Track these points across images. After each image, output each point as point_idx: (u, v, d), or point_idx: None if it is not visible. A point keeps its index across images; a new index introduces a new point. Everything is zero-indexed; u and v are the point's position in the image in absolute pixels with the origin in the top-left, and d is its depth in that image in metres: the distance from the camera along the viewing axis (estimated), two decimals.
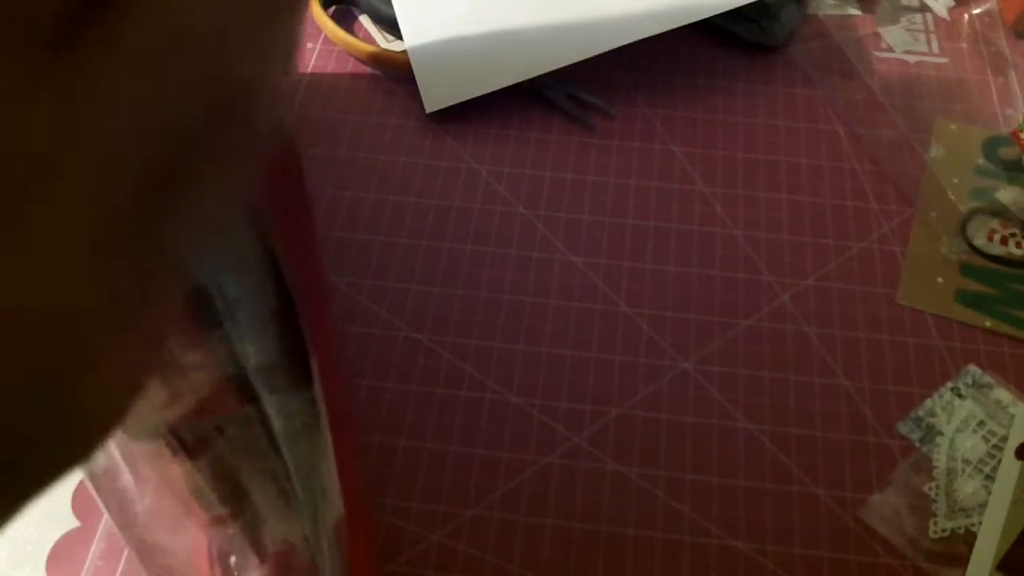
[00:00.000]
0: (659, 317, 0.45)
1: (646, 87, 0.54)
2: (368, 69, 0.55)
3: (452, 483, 0.40)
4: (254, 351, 0.23)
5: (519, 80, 0.51)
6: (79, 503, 0.40)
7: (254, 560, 0.32)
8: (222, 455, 0.27)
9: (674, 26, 0.50)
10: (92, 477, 0.27)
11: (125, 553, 0.38)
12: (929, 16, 0.58)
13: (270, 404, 0.25)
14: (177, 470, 0.28)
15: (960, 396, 0.43)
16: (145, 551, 0.31)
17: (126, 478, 0.28)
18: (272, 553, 0.32)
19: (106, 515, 0.39)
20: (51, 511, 0.39)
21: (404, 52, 0.53)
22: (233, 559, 0.32)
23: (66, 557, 0.38)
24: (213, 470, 0.28)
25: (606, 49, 0.50)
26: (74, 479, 0.40)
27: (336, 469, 0.27)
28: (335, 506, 0.28)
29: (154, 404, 0.25)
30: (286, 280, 0.22)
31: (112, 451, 0.26)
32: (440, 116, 0.52)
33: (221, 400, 0.25)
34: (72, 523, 0.39)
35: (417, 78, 0.52)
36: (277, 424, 0.26)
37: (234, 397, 0.25)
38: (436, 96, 0.52)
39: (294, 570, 0.32)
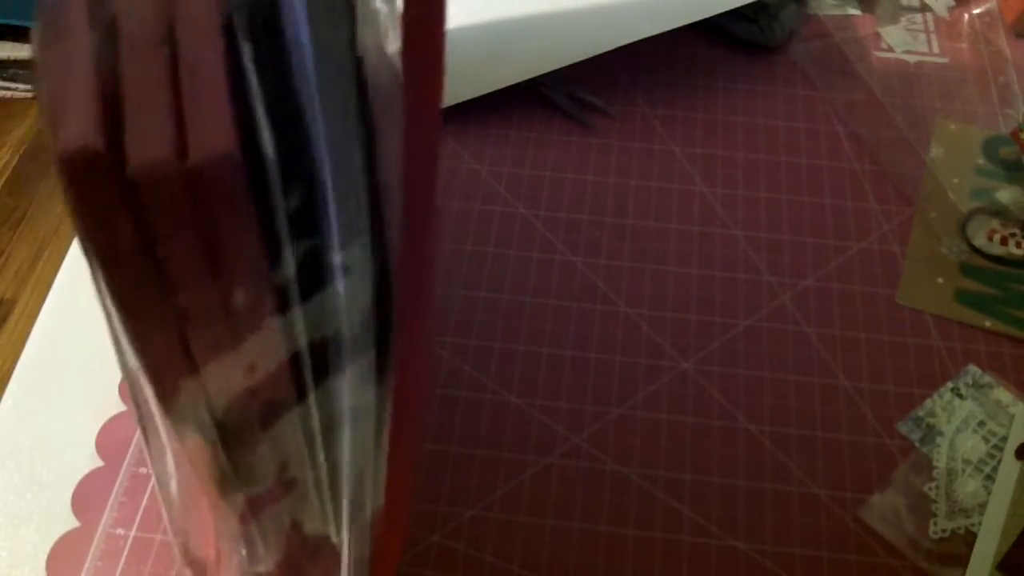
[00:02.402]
0: (659, 317, 0.45)
1: (646, 87, 0.54)
2: None
3: (452, 483, 0.40)
4: (348, 323, 0.23)
5: (519, 80, 0.51)
6: (79, 503, 0.40)
7: (264, 552, 0.32)
8: (255, 442, 0.27)
9: (674, 26, 0.50)
10: (144, 429, 0.27)
11: (125, 553, 0.38)
12: (929, 16, 0.58)
13: (331, 386, 0.25)
14: (204, 452, 0.28)
15: (960, 396, 0.43)
16: (172, 521, 0.31)
17: (165, 447, 0.28)
18: (287, 544, 0.32)
19: (106, 515, 0.39)
20: (51, 511, 0.39)
21: None
22: (244, 550, 0.32)
23: (66, 557, 0.38)
24: (243, 457, 0.28)
25: (606, 49, 0.50)
26: (75, 480, 0.40)
27: (388, 461, 0.27)
28: (375, 497, 0.27)
29: (207, 388, 0.24)
30: (391, 255, 0.22)
31: (156, 416, 0.26)
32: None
33: (271, 385, 0.25)
34: (72, 523, 0.39)
35: None
36: (328, 408, 0.25)
37: (286, 382, 0.25)
38: None
39: (311, 561, 0.32)
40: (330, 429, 0.26)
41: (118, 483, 0.40)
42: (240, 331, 0.23)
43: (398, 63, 0.19)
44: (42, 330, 0.45)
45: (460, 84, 0.51)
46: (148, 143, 0.19)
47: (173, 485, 0.29)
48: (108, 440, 0.41)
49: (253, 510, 0.30)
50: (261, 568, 0.32)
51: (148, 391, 0.25)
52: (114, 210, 0.19)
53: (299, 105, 0.20)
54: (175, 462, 0.28)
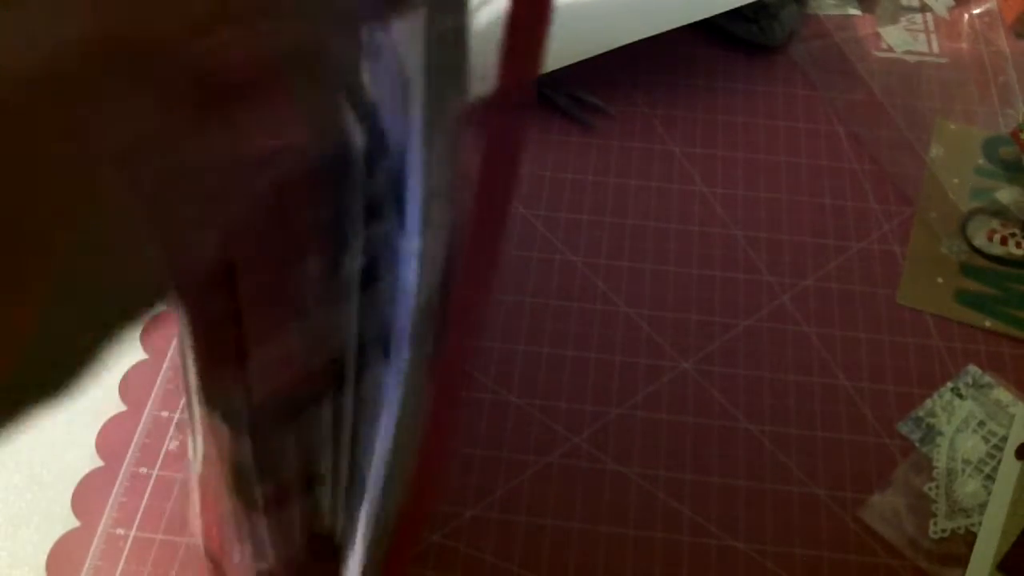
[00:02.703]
0: (659, 317, 0.45)
1: (646, 87, 0.54)
2: None
3: (452, 483, 0.40)
4: (411, 313, 0.23)
5: None
6: (79, 503, 0.40)
7: (271, 549, 0.32)
8: (281, 437, 0.27)
9: (674, 26, 0.50)
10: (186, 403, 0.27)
11: (125, 553, 0.38)
12: (929, 16, 0.58)
13: (370, 382, 0.24)
14: (227, 440, 0.27)
15: (960, 396, 0.43)
16: (193, 498, 0.31)
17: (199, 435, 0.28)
18: (295, 542, 0.32)
19: (106, 515, 0.39)
20: (51, 511, 0.39)
21: None
22: (250, 546, 0.32)
23: (66, 557, 0.38)
24: (265, 450, 0.28)
25: (606, 49, 0.50)
26: (75, 480, 0.40)
27: (421, 455, 0.27)
28: (397, 496, 0.27)
29: (251, 378, 0.24)
30: (455, 246, 0.22)
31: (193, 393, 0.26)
32: None
33: (313, 377, 0.25)
34: (72, 523, 0.39)
35: None
36: (384, 397, 0.25)
37: (327, 374, 0.25)
38: None
39: (318, 560, 0.32)
40: (363, 422, 0.26)
41: (118, 483, 0.40)
42: (297, 318, 0.23)
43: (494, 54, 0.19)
44: None
45: None
46: None
47: (198, 470, 0.29)
48: (108, 440, 0.41)
49: (267, 505, 0.30)
50: (264, 564, 0.32)
51: (192, 373, 0.24)
52: None
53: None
54: (203, 449, 0.28)
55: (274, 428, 0.27)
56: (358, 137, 0.20)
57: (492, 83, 0.19)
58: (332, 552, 0.31)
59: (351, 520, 0.29)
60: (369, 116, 0.20)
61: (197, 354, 0.23)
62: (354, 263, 0.22)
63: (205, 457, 0.28)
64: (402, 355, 0.24)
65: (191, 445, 0.28)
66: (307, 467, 0.28)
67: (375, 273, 0.22)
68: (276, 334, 0.23)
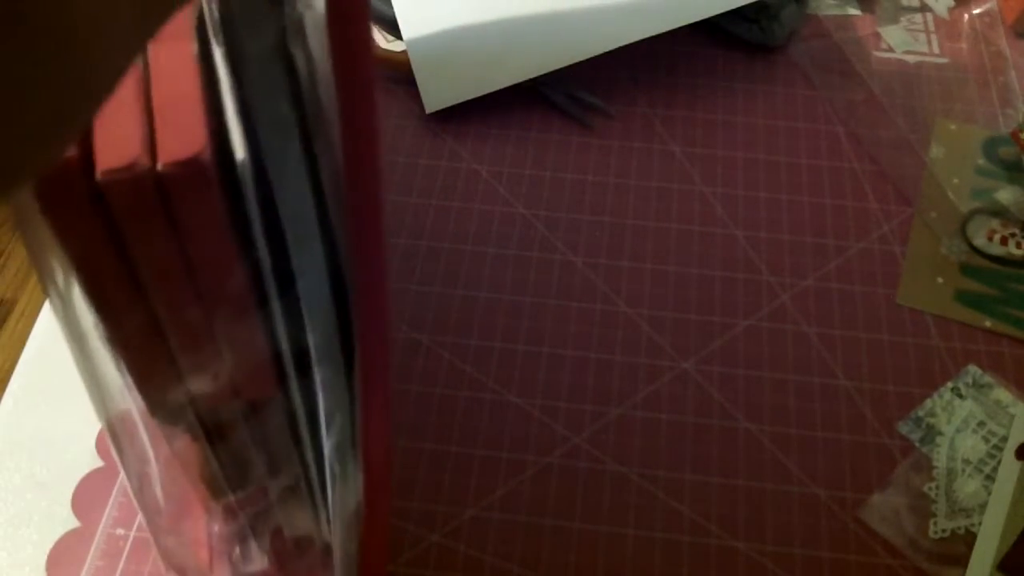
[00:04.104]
0: (659, 317, 0.45)
1: (646, 87, 0.54)
2: None
3: (452, 483, 0.40)
4: (310, 324, 0.23)
5: (519, 80, 0.51)
6: (79, 503, 0.40)
7: (256, 551, 0.32)
8: (240, 441, 0.27)
9: (674, 26, 0.50)
10: (117, 448, 0.27)
11: (125, 553, 0.38)
12: (929, 16, 0.58)
13: (308, 385, 0.25)
14: (192, 454, 0.28)
15: (960, 396, 0.43)
16: (157, 530, 0.31)
17: (148, 453, 0.28)
18: (277, 543, 0.32)
19: (106, 515, 0.39)
20: (51, 511, 0.39)
21: (404, 52, 0.53)
22: (236, 550, 0.32)
23: (66, 557, 0.38)
24: (229, 456, 0.28)
25: (606, 49, 0.50)
26: (75, 480, 0.40)
27: (364, 457, 0.27)
28: (356, 493, 0.28)
29: (188, 382, 0.24)
30: (342, 257, 0.22)
31: (137, 423, 0.26)
32: (440, 116, 0.52)
33: (254, 382, 0.25)
34: (72, 523, 0.39)
35: (417, 78, 0.52)
36: (309, 406, 0.25)
37: (268, 379, 0.25)
38: (436, 96, 0.52)
39: (298, 560, 0.32)
40: (315, 426, 0.27)
41: (118, 483, 0.40)
42: (217, 330, 0.23)
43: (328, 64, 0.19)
44: (42, 330, 0.45)
45: (460, 84, 0.51)
46: (116, 149, 0.19)
47: (159, 491, 0.29)
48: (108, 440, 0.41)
49: (246, 509, 0.30)
50: (254, 567, 0.32)
51: (130, 396, 0.25)
52: (85, 217, 0.19)
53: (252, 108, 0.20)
54: (163, 467, 0.28)
55: (230, 434, 0.27)
56: (240, 147, 0.20)
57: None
58: (317, 552, 0.31)
59: (328, 521, 0.29)
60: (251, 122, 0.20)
61: (130, 368, 0.24)
62: (263, 275, 0.22)
63: (168, 473, 0.29)
64: (321, 364, 0.24)
65: (131, 473, 0.28)
66: (275, 470, 0.29)
67: (286, 285, 0.23)
68: (199, 342, 0.23)
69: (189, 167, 0.19)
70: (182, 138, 0.19)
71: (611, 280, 0.46)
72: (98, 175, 0.18)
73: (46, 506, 0.40)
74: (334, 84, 0.19)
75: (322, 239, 0.22)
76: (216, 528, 0.32)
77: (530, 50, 0.51)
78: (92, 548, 0.38)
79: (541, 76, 0.52)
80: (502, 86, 0.51)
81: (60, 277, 0.21)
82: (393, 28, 0.55)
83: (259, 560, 0.32)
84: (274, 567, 0.33)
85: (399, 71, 0.54)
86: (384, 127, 0.52)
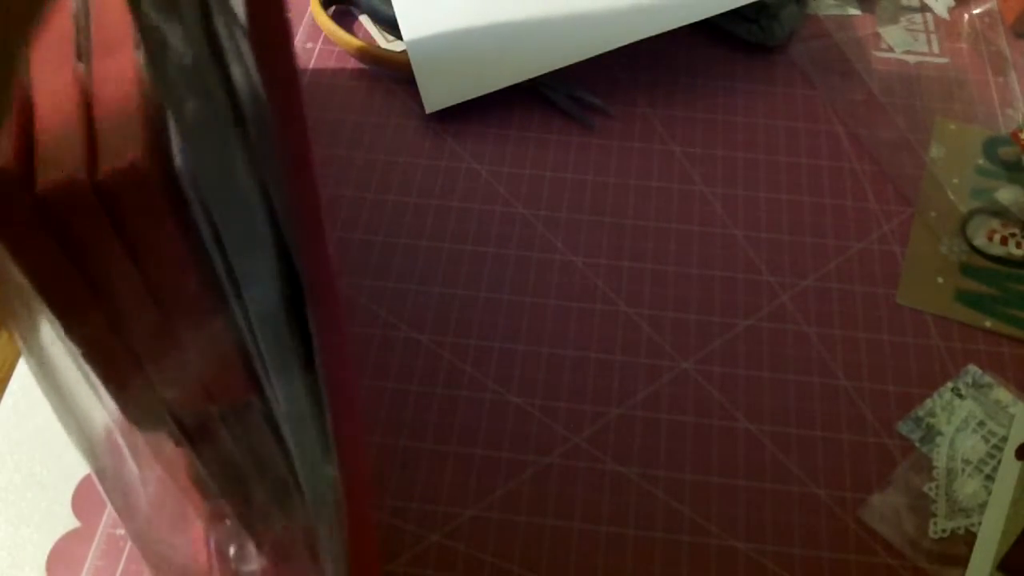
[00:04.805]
0: (659, 317, 0.45)
1: (646, 87, 0.54)
2: (368, 69, 0.55)
3: (452, 483, 0.40)
4: (260, 331, 0.23)
5: (519, 80, 0.51)
6: (79, 503, 0.40)
7: (253, 551, 0.32)
8: (224, 444, 0.27)
9: (674, 26, 0.50)
10: (97, 470, 0.27)
11: (125, 553, 0.38)
12: (929, 16, 0.58)
13: (275, 388, 0.25)
14: (180, 460, 0.28)
15: (960, 396, 0.43)
16: (146, 542, 0.31)
17: (130, 469, 0.28)
18: (272, 543, 0.32)
19: (106, 515, 0.39)
20: (51, 511, 0.39)
21: (404, 52, 0.53)
22: (232, 550, 0.32)
23: (66, 557, 0.38)
24: (216, 459, 0.28)
25: (606, 49, 0.50)
26: (75, 480, 0.40)
27: (339, 458, 0.27)
28: (335, 492, 0.28)
29: (159, 388, 0.25)
30: (295, 257, 0.22)
31: (118, 440, 0.26)
32: (440, 116, 0.52)
33: (226, 386, 0.25)
34: (72, 523, 0.39)
35: (417, 78, 0.52)
36: (280, 409, 0.26)
37: (240, 382, 0.25)
38: (436, 96, 0.52)
39: (294, 560, 0.32)
40: (293, 428, 0.27)
41: None
42: (180, 336, 0.23)
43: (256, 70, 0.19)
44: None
45: (460, 84, 0.51)
46: (57, 160, 0.19)
47: (143, 503, 0.29)
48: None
49: (239, 510, 0.30)
50: (252, 567, 0.32)
51: (108, 410, 0.25)
52: (32, 229, 0.19)
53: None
54: (150, 478, 0.28)
55: (214, 437, 0.27)
56: (178, 155, 0.20)
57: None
58: (313, 552, 0.31)
59: (319, 520, 0.29)
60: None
61: (101, 376, 0.24)
62: (219, 279, 0.22)
63: (156, 483, 0.29)
64: (281, 367, 0.24)
65: (111, 489, 0.28)
66: (262, 471, 0.29)
67: (239, 289, 0.23)
68: (162, 348, 0.23)
69: (128, 175, 0.19)
70: (121, 147, 0.19)
71: (611, 280, 0.46)
72: (37, 187, 0.18)
73: (46, 506, 0.40)
74: (260, 79, 0.19)
75: (272, 242, 0.22)
76: (212, 530, 0.32)
77: (530, 50, 0.51)
78: (92, 548, 0.38)
79: (541, 76, 0.52)
80: (502, 86, 0.51)
81: (21, 308, 0.21)
82: (393, 28, 0.55)
83: (256, 560, 0.32)
84: (272, 566, 0.33)
85: (399, 71, 0.54)
86: (385, 127, 0.52)
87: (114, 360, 0.23)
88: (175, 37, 0.19)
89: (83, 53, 0.20)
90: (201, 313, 0.23)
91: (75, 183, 0.19)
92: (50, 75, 0.20)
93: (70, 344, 0.22)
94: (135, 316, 0.22)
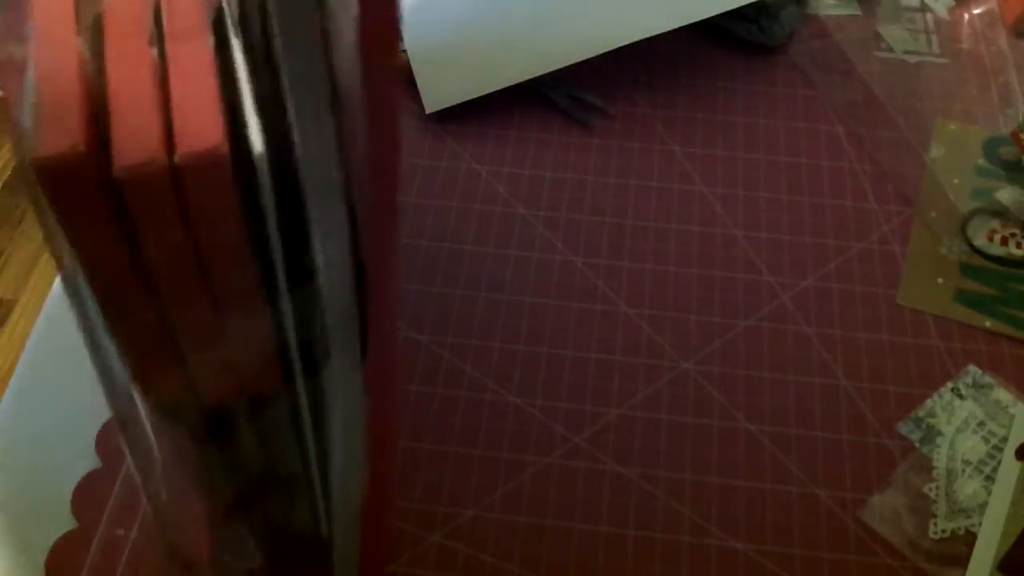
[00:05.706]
0: (659, 317, 0.45)
1: (646, 87, 0.54)
2: None
3: (452, 483, 0.40)
4: (331, 320, 0.23)
5: (519, 80, 0.51)
6: (79, 503, 0.40)
7: (253, 549, 0.32)
8: (243, 438, 0.27)
9: (674, 26, 0.50)
10: (119, 417, 0.27)
11: (125, 553, 0.38)
12: (929, 16, 0.58)
13: (315, 379, 0.25)
14: (191, 451, 0.28)
15: (960, 396, 0.43)
16: (163, 524, 0.31)
17: (153, 449, 0.28)
18: (275, 540, 0.32)
19: (106, 515, 0.39)
20: (51, 511, 0.39)
21: (404, 52, 0.53)
22: (234, 547, 0.32)
23: (66, 557, 0.38)
24: (230, 453, 0.28)
25: (606, 49, 0.50)
26: (75, 480, 0.40)
27: (370, 451, 0.27)
28: (361, 490, 0.28)
29: (194, 376, 0.24)
30: (362, 249, 0.22)
31: (142, 415, 0.26)
32: (440, 116, 0.52)
33: (259, 376, 0.25)
34: (72, 523, 0.39)
35: (417, 78, 0.52)
36: (314, 401, 0.25)
37: (274, 371, 0.25)
38: (436, 96, 0.52)
39: (299, 557, 0.32)
40: (320, 422, 0.27)
41: (118, 483, 0.40)
42: (226, 326, 0.23)
43: (358, 64, 0.19)
44: (42, 330, 0.45)
45: (460, 84, 0.51)
46: (134, 143, 0.19)
47: (162, 485, 0.29)
48: (108, 440, 0.41)
49: (242, 506, 0.30)
50: (251, 564, 0.32)
51: (134, 389, 0.25)
52: (99, 213, 0.19)
53: (283, 101, 0.20)
54: (165, 462, 0.28)
55: (231, 430, 0.27)
56: (258, 141, 0.20)
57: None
58: (317, 552, 0.31)
59: (330, 516, 0.29)
60: (274, 117, 0.20)
61: (132, 365, 0.24)
62: (275, 270, 0.22)
63: (167, 468, 0.29)
64: (335, 357, 0.24)
65: (140, 463, 0.28)
66: (275, 466, 0.29)
67: (298, 280, 0.23)
68: (208, 339, 0.23)
69: (206, 159, 0.19)
70: (199, 132, 0.19)
71: (611, 280, 0.46)
72: (115, 170, 0.18)
73: (46, 506, 0.40)
74: (360, 73, 0.19)
75: (349, 230, 0.22)
76: (214, 524, 0.32)
77: (530, 50, 0.51)
78: (92, 548, 0.38)
79: (541, 76, 0.52)
80: (502, 86, 0.51)
81: (72, 263, 0.21)
82: None
83: (256, 557, 0.32)
84: (271, 564, 0.33)
85: (399, 71, 0.54)
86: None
87: (151, 348, 0.23)
88: (292, 22, 0.19)
89: (155, 39, 0.20)
90: (251, 303, 0.23)
91: (154, 163, 0.19)
92: (124, 61, 0.20)
93: (108, 326, 0.22)
94: (185, 305, 0.22)
